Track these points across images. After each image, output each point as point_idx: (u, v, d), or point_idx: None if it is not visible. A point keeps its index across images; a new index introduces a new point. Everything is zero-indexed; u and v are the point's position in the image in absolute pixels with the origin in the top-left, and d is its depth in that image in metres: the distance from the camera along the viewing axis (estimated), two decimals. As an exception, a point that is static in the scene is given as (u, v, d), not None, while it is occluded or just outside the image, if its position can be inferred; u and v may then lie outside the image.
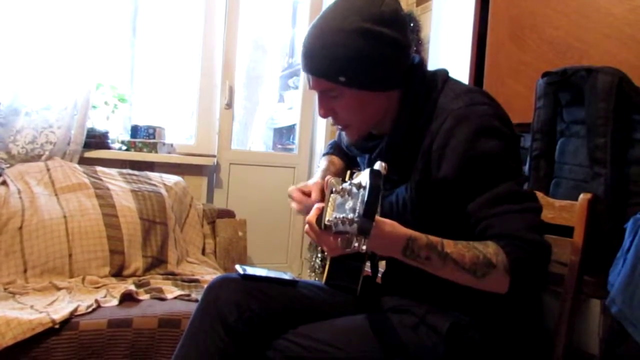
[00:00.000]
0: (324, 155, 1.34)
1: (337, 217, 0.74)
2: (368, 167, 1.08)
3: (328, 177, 0.93)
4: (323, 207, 0.84)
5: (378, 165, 0.73)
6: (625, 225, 1.10)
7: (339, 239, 0.78)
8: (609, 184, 1.22)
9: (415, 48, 2.26)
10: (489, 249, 0.86)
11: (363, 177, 0.72)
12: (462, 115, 0.92)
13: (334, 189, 0.80)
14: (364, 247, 0.71)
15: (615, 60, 1.36)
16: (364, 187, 0.70)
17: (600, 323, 1.49)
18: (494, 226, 0.89)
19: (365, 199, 0.69)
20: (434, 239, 0.86)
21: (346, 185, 0.76)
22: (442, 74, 1.03)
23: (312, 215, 0.86)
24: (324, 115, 1.02)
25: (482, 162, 0.90)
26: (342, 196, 0.77)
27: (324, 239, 0.85)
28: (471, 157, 0.90)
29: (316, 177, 1.20)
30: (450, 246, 0.86)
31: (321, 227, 0.83)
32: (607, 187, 1.22)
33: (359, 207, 0.69)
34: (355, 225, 0.70)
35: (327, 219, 0.80)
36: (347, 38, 0.92)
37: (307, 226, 0.87)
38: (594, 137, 1.25)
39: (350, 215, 0.70)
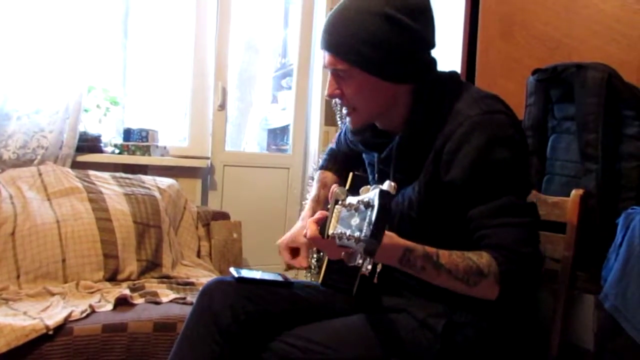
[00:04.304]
0: (319, 169, 1.33)
1: (342, 231, 0.74)
2: (377, 166, 1.08)
3: (334, 186, 0.93)
4: (326, 217, 0.84)
5: (387, 185, 0.73)
6: (617, 220, 1.11)
7: (342, 252, 0.78)
8: (600, 180, 1.23)
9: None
10: (483, 260, 0.88)
11: (371, 195, 0.72)
12: (479, 122, 0.91)
13: (339, 201, 0.80)
14: (369, 267, 0.72)
15: (605, 56, 1.37)
16: (372, 207, 0.70)
17: (595, 318, 1.49)
18: (490, 236, 0.90)
19: (374, 220, 0.69)
20: (430, 249, 0.88)
21: (352, 200, 0.76)
22: (457, 77, 1.03)
23: (312, 231, 0.87)
24: (330, 95, 1.01)
25: (491, 171, 0.91)
26: (348, 210, 0.76)
27: (325, 246, 0.86)
28: (482, 165, 0.90)
29: (304, 214, 1.19)
30: (445, 257, 0.88)
31: (324, 237, 0.84)
32: (599, 183, 1.23)
33: (366, 228, 0.69)
34: (361, 244, 0.70)
35: (330, 231, 0.80)
36: (368, 20, 0.92)
37: (308, 233, 0.88)
38: (584, 133, 1.26)
39: (357, 234, 0.71)
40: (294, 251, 1.14)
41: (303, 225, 1.14)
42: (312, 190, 1.27)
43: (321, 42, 0.99)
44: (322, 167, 1.31)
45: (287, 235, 1.17)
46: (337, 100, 1.02)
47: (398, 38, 0.93)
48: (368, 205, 0.71)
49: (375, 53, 0.93)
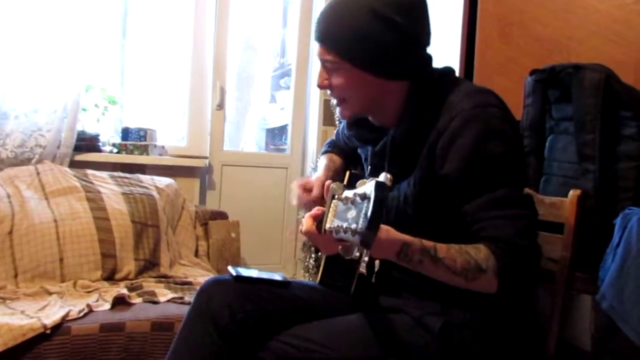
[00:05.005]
0: (322, 153, 1.33)
1: (339, 224, 0.74)
2: (372, 160, 1.08)
3: (329, 181, 0.93)
4: (323, 213, 0.84)
5: (383, 177, 0.73)
6: (615, 220, 1.11)
7: (340, 247, 0.79)
8: (597, 180, 1.23)
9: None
10: (480, 254, 0.88)
11: (367, 187, 0.72)
12: (472, 115, 0.91)
13: (336, 195, 0.80)
14: (366, 259, 0.72)
15: (603, 57, 1.37)
16: (368, 199, 0.70)
17: (592, 318, 1.50)
18: (487, 229, 0.90)
19: (370, 212, 0.69)
20: (427, 243, 0.87)
21: (349, 193, 0.76)
22: (451, 72, 1.03)
23: (309, 225, 0.87)
24: (320, 85, 1.02)
25: (485, 164, 0.91)
26: (344, 204, 0.77)
27: (322, 241, 0.86)
28: (476, 159, 0.90)
29: (319, 173, 1.21)
30: (442, 251, 0.87)
31: (320, 232, 0.84)
32: (596, 183, 1.24)
33: (362, 220, 0.70)
34: (357, 236, 0.70)
35: (327, 225, 0.80)
36: (356, 15, 0.93)
37: (304, 228, 0.88)
38: (582, 134, 1.26)
39: (353, 226, 0.71)
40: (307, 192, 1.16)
41: (318, 177, 1.18)
42: (322, 163, 1.26)
43: (313, 33, 1.01)
44: (326, 152, 1.31)
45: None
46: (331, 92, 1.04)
47: (384, 34, 0.93)
48: (364, 197, 0.71)
49: (363, 49, 0.94)
